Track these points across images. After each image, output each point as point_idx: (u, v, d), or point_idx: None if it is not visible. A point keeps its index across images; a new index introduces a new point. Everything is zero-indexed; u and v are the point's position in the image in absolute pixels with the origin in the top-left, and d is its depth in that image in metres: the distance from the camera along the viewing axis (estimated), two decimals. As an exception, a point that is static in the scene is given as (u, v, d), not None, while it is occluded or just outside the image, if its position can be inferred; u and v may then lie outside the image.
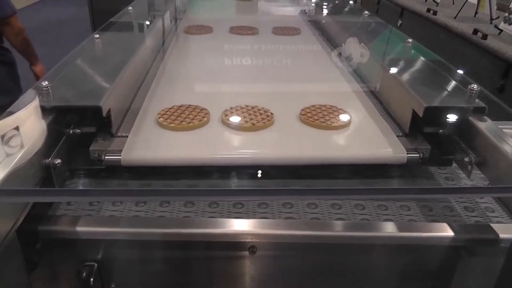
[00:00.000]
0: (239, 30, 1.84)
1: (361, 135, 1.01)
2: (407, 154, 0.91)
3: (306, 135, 0.99)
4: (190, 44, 1.75)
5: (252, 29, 1.86)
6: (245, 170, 0.92)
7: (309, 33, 1.92)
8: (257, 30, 1.86)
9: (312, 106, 1.08)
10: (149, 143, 0.93)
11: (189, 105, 1.06)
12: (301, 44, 1.73)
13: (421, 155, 0.91)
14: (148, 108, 1.08)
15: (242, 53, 1.58)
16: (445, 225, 0.80)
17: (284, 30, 1.88)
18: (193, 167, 0.93)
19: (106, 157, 0.88)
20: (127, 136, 0.94)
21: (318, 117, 1.03)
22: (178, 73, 1.38)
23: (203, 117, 1.01)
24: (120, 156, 0.87)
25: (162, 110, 1.04)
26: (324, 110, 1.06)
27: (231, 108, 1.06)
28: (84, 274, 0.79)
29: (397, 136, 0.97)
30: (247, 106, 1.07)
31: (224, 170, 0.93)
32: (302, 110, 1.06)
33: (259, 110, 1.05)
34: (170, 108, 1.04)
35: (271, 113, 1.04)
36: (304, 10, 2.40)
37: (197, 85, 1.31)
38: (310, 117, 1.03)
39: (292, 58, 1.58)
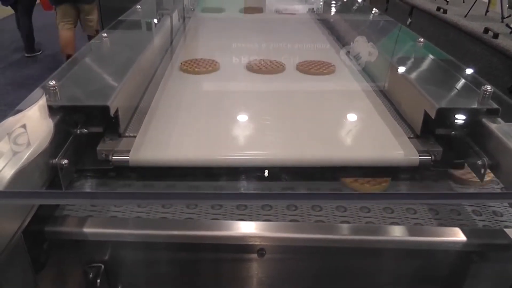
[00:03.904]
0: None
1: (371, 137, 0.99)
2: (419, 156, 0.89)
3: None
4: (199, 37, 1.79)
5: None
6: (253, 172, 0.91)
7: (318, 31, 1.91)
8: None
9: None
10: (158, 144, 0.92)
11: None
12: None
13: (433, 157, 0.90)
14: (157, 108, 1.07)
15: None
16: (458, 229, 0.78)
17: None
18: (200, 168, 0.92)
19: (113, 157, 0.87)
20: (135, 136, 0.93)
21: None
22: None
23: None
24: (128, 156, 0.87)
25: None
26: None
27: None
28: (91, 275, 0.79)
29: (409, 138, 0.96)
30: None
31: (231, 172, 0.92)
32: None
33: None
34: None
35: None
36: (313, 9, 2.39)
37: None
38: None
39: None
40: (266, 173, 0.91)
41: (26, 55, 4.72)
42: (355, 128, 1.07)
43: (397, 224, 0.82)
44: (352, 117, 1.10)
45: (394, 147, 0.93)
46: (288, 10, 2.35)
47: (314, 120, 1.04)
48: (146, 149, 0.90)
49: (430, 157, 0.89)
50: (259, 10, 2.33)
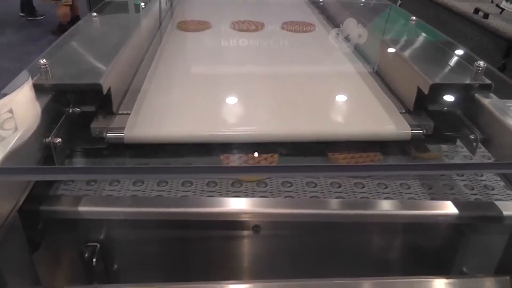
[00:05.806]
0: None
1: (364, 112, 1.00)
2: (411, 130, 0.90)
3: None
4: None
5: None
6: (245, 146, 0.91)
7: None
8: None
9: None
10: (152, 120, 0.92)
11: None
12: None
13: (425, 131, 0.91)
14: (149, 88, 1.06)
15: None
16: (450, 203, 0.79)
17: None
18: (195, 144, 0.92)
19: (107, 134, 0.86)
20: (128, 114, 0.92)
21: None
22: (177, 53, 1.36)
23: None
24: (123, 133, 0.86)
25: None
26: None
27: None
28: (86, 255, 0.79)
29: (401, 112, 0.96)
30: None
31: (226, 147, 0.92)
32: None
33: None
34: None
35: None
36: None
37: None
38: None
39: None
40: (259, 148, 0.91)
41: (29, 18, 5.08)
42: (347, 104, 1.06)
43: (391, 199, 0.83)
44: (344, 93, 1.10)
45: (386, 122, 0.93)
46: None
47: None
48: (141, 125, 0.89)
49: (422, 131, 0.91)
50: (258, 25, 1.59)
